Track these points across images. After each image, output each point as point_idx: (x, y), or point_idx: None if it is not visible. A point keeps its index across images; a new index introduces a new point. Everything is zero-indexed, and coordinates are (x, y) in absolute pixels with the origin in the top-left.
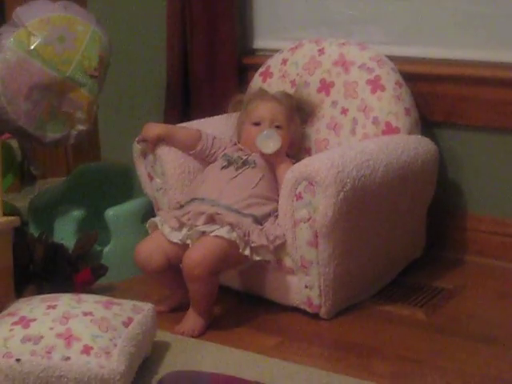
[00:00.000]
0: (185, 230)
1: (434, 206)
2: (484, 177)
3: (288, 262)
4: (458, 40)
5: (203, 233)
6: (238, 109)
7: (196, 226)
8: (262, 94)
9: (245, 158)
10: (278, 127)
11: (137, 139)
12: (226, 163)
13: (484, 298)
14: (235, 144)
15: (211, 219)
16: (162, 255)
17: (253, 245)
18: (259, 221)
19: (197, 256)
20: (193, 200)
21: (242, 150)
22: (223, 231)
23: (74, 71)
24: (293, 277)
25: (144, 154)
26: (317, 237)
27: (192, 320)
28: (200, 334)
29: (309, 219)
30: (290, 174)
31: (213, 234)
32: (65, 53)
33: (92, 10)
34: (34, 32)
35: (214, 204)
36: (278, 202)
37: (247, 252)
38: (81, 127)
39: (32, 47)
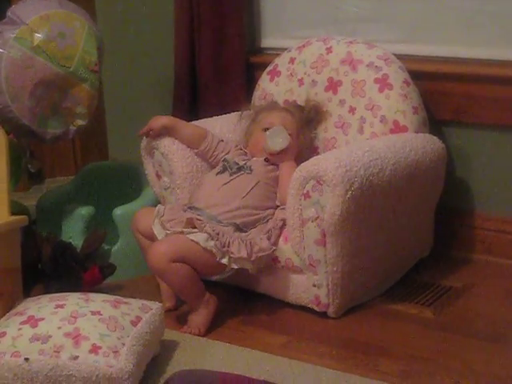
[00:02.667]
0: (165, 232)
1: (442, 204)
2: (492, 175)
3: (296, 260)
4: (465, 38)
5: (181, 233)
6: (248, 119)
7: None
8: (274, 105)
9: (242, 163)
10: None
11: (141, 130)
12: (220, 169)
13: (492, 296)
14: (240, 149)
15: (191, 223)
16: (150, 224)
17: (232, 255)
18: (241, 228)
19: (159, 249)
20: (188, 208)
21: (245, 154)
22: (200, 237)
23: (76, 66)
24: (301, 276)
25: (151, 153)
26: (325, 236)
27: (195, 318)
28: (206, 330)
29: (317, 218)
30: (298, 172)
31: (189, 236)
32: (67, 48)
33: (100, 9)
34: (36, 29)
35: (200, 214)
36: (272, 208)
37: (225, 261)
38: (81, 122)
39: (35, 44)
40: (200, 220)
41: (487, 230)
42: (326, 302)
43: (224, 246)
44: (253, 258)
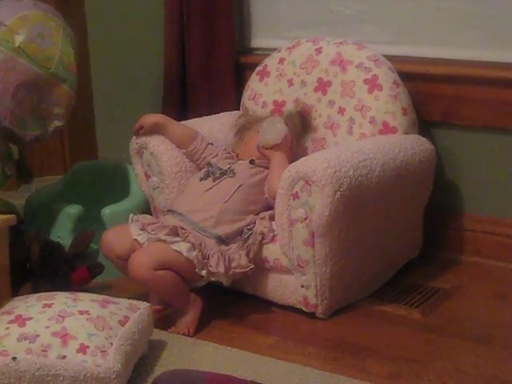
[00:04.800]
0: (146, 235)
1: (431, 205)
2: (481, 177)
3: (284, 261)
4: (455, 39)
5: (163, 241)
6: (244, 128)
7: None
8: (273, 116)
9: (226, 167)
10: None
11: (134, 128)
12: (203, 175)
13: (480, 298)
14: (228, 153)
15: (175, 232)
16: (128, 241)
17: (210, 269)
18: (224, 241)
19: (141, 259)
20: (168, 211)
21: (231, 157)
22: (183, 247)
23: (56, 67)
24: (289, 276)
25: (141, 153)
26: (313, 236)
27: (183, 319)
28: (195, 330)
29: (305, 219)
30: (287, 173)
31: (173, 246)
32: (46, 49)
33: (90, 8)
34: (16, 30)
35: (183, 219)
36: (254, 212)
37: (204, 273)
38: (58, 123)
39: (17, 45)
40: (184, 229)
41: (476, 232)
42: (314, 303)
43: (204, 258)
44: (230, 273)
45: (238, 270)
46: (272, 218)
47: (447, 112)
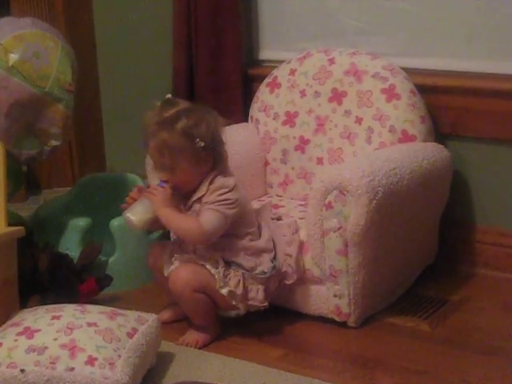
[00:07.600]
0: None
1: (441, 218)
2: (490, 189)
3: (316, 271)
4: (463, 51)
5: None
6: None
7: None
8: (150, 128)
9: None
10: (171, 169)
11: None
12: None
13: (489, 310)
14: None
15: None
16: (168, 258)
17: (229, 288)
18: (244, 268)
19: (183, 276)
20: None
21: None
22: (209, 264)
23: (51, 87)
24: (320, 286)
25: None
26: (347, 246)
27: (196, 332)
28: (203, 346)
29: (339, 228)
30: (320, 183)
31: (199, 261)
32: (42, 68)
33: (98, 20)
34: (10, 49)
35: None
36: (247, 234)
37: (224, 291)
38: (55, 143)
39: (10, 64)
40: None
41: (485, 244)
42: (347, 312)
43: (226, 277)
44: (244, 303)
45: (252, 303)
46: (300, 253)
47: (455, 124)
